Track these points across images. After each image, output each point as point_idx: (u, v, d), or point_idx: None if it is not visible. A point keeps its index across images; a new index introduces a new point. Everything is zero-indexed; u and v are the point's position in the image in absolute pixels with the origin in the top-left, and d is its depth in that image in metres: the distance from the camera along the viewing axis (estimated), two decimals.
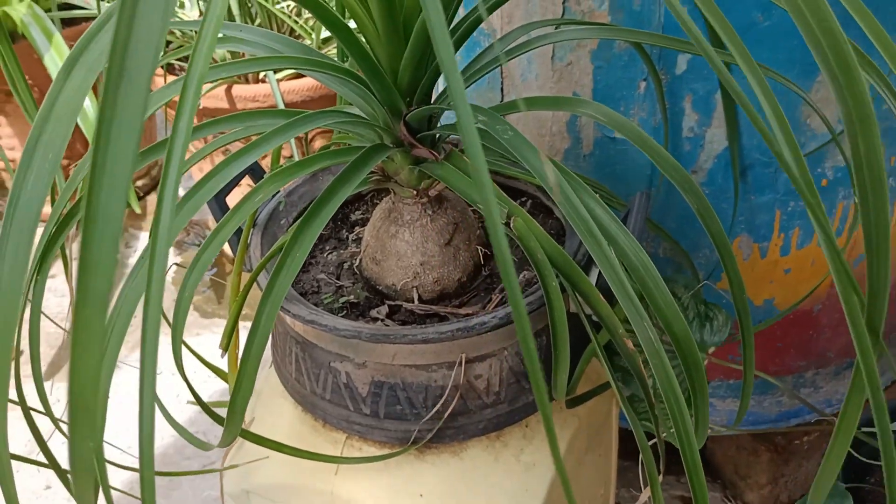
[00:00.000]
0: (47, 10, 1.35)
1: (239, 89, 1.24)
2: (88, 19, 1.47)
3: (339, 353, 0.64)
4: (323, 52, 1.32)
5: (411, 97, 0.60)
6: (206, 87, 1.20)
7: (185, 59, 1.28)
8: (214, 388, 1.26)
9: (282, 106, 1.18)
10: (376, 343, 0.61)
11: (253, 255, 0.70)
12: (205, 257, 0.55)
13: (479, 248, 0.69)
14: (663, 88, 0.78)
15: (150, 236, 0.32)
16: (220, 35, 0.64)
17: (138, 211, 1.39)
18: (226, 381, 0.80)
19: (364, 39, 0.58)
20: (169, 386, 1.26)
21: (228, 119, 0.59)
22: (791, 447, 1.05)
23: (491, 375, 0.64)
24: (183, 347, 0.58)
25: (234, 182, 0.65)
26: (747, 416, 1.00)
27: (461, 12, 0.63)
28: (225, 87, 1.23)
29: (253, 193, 0.58)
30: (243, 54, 1.17)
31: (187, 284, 0.54)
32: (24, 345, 0.59)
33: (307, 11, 1.12)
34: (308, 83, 1.26)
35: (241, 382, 0.53)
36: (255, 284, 0.64)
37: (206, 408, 0.66)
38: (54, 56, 1.20)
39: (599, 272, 0.65)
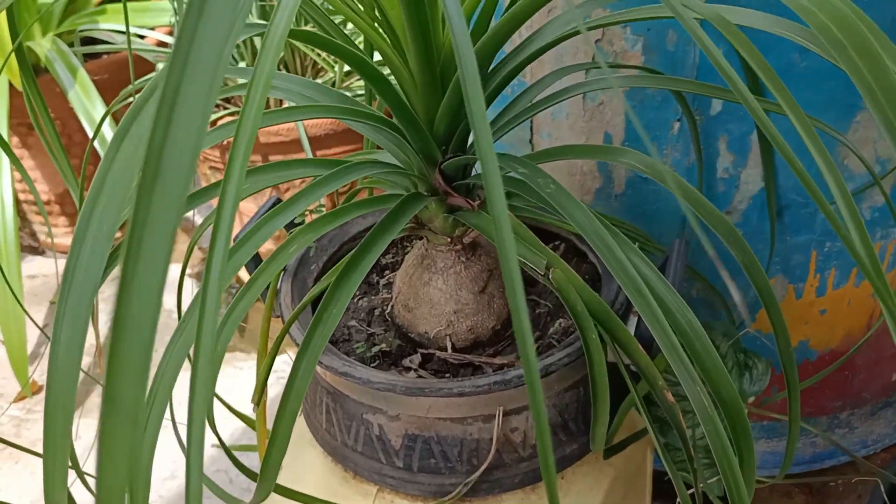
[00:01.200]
0: (70, 45, 1.35)
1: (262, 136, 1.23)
2: (111, 53, 1.47)
3: (372, 406, 0.63)
4: (346, 84, 1.31)
5: (447, 146, 0.59)
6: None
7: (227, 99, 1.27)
8: (236, 426, 1.25)
9: (305, 140, 1.17)
10: (411, 396, 0.60)
11: (283, 302, 0.68)
12: (238, 310, 0.54)
13: None
14: (698, 129, 0.77)
15: (200, 305, 0.31)
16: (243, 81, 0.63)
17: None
18: (254, 428, 0.79)
19: (399, 87, 0.57)
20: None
21: (266, 168, 0.58)
22: (825, 489, 1.02)
23: (527, 428, 0.62)
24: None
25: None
26: (780, 456, 0.98)
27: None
28: None
29: (287, 244, 0.57)
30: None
31: (220, 339, 0.53)
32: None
33: None
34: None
35: (276, 440, 0.52)
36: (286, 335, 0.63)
37: (236, 462, 0.65)
38: (78, 91, 1.20)
39: (638, 320, 0.64)
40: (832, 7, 0.36)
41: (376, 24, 0.53)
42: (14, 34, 1.46)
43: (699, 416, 0.44)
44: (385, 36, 0.54)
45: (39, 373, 1.39)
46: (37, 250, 1.70)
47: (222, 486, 0.78)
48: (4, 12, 1.23)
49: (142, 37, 1.48)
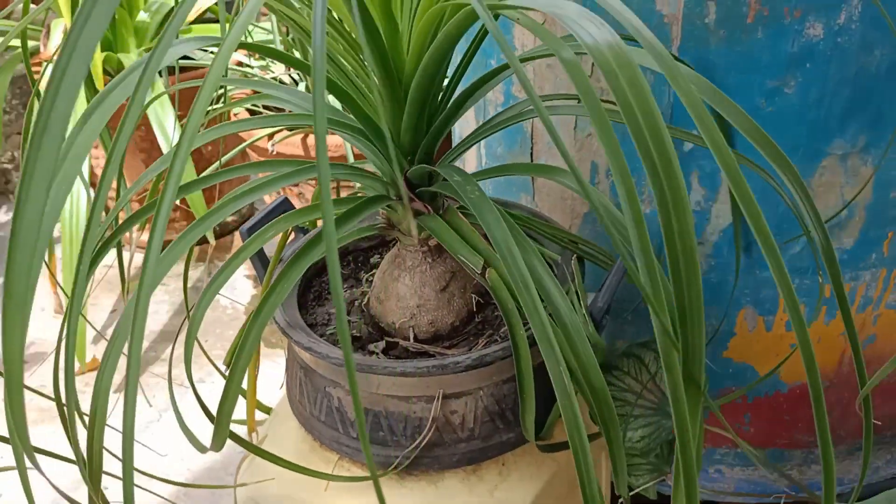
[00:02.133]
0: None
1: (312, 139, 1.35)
2: (194, 69, 1.61)
3: (333, 380, 0.71)
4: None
5: (413, 156, 0.68)
6: (280, 135, 1.32)
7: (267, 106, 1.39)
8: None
9: (350, 156, 1.28)
10: (362, 372, 0.68)
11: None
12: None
13: (473, 296, 0.75)
14: None
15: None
16: (267, 92, 0.73)
17: (213, 242, 1.51)
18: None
19: (369, 102, 0.66)
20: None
21: (247, 166, 0.68)
22: None
23: (466, 412, 0.70)
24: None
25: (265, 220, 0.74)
26: (756, 485, 1.02)
27: (493, 63, 0.70)
28: (301, 135, 1.34)
29: (265, 231, 0.66)
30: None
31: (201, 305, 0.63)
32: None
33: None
34: None
35: (228, 393, 0.61)
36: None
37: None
38: (156, 107, 1.34)
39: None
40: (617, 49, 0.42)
41: (346, 45, 0.62)
42: (110, 47, 1.62)
43: (555, 386, 0.51)
44: (354, 55, 0.63)
45: (101, 353, 1.53)
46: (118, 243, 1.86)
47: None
48: None
49: (204, 50, 1.62)
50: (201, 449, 0.68)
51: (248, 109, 1.48)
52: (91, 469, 0.55)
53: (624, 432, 0.74)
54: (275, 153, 1.32)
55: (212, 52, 1.53)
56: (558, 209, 0.95)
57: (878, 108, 0.78)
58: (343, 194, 0.81)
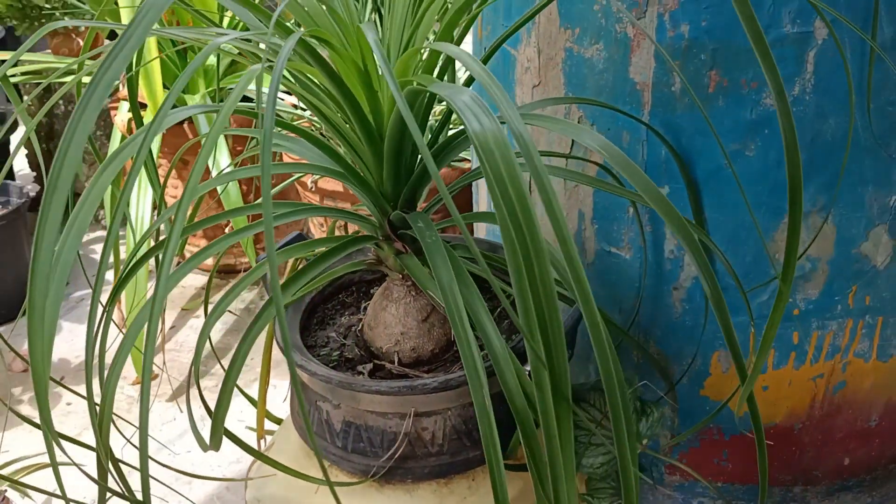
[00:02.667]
0: (221, 100, 1.64)
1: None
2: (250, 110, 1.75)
3: (322, 395, 0.82)
4: None
5: (396, 202, 0.78)
6: None
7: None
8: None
9: None
10: (343, 389, 0.78)
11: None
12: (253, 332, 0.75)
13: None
14: (645, 215, 0.92)
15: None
16: (283, 144, 0.85)
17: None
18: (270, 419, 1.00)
19: (357, 153, 0.76)
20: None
21: (250, 207, 0.79)
22: None
23: (436, 430, 0.79)
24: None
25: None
26: None
27: None
28: None
29: (259, 267, 0.77)
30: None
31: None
32: None
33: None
34: None
35: (222, 401, 0.72)
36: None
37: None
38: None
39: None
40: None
41: (334, 105, 0.73)
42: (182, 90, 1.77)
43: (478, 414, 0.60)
44: (340, 112, 0.74)
45: (159, 364, 1.67)
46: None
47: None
48: (160, 68, 1.53)
49: (281, 99, 1.76)
50: (203, 447, 0.79)
51: None
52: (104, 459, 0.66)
53: (579, 460, 0.82)
54: (314, 189, 1.44)
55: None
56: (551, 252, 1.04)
57: (834, 171, 0.85)
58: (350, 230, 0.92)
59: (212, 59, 1.83)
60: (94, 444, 0.62)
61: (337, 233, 1.14)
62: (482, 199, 1.21)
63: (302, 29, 0.57)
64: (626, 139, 0.90)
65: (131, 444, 0.70)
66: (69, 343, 1.76)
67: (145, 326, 1.50)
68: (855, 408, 1.01)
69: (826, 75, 0.81)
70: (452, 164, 1.40)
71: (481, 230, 1.28)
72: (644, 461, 1.08)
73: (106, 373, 0.74)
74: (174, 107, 1.51)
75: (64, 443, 0.75)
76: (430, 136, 0.80)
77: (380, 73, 0.70)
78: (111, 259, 1.58)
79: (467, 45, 1.46)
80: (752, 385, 0.66)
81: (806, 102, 0.83)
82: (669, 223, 0.62)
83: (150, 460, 0.59)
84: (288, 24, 0.82)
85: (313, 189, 1.46)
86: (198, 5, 1.56)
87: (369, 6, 1.46)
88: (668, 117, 0.86)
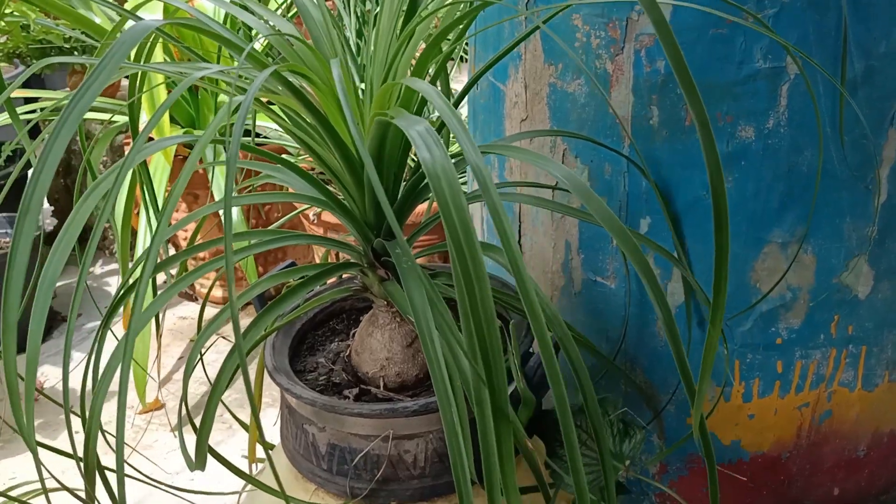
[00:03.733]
0: (224, 135, 1.68)
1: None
2: (262, 144, 1.80)
3: (309, 418, 0.84)
4: None
5: (378, 230, 0.81)
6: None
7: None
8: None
9: None
10: (327, 412, 0.80)
11: (268, 343, 0.91)
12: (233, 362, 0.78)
13: None
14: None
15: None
16: (275, 175, 0.88)
17: None
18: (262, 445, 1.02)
19: (341, 183, 0.79)
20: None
21: (252, 233, 0.82)
22: None
23: (417, 452, 0.81)
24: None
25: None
26: None
27: None
28: None
29: (254, 287, 0.80)
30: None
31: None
32: None
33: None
34: None
35: (205, 421, 0.74)
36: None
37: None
38: (217, 174, 1.52)
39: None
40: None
41: (316, 135, 0.76)
42: (192, 124, 1.82)
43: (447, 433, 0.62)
44: (323, 144, 0.77)
45: (166, 394, 1.70)
46: (191, 297, 2.05)
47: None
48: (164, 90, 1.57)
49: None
50: (191, 466, 0.81)
51: None
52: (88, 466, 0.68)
53: (561, 480, 0.84)
54: (317, 221, 1.47)
55: (276, 131, 1.72)
56: (541, 281, 1.06)
57: (811, 202, 0.87)
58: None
59: (224, 97, 1.88)
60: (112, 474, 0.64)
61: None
62: (475, 228, 1.23)
63: (274, 66, 0.60)
64: (608, 171, 0.92)
65: (135, 471, 0.73)
66: (80, 373, 1.79)
67: (151, 353, 1.53)
68: (842, 437, 1.01)
69: (800, 109, 0.84)
70: None
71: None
72: (634, 489, 1.09)
73: (110, 398, 0.76)
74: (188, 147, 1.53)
75: (67, 469, 0.77)
76: (411, 169, 0.83)
77: (361, 104, 0.73)
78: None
79: (463, 83, 1.50)
80: (700, 410, 0.67)
81: (781, 135, 0.85)
82: (625, 249, 0.64)
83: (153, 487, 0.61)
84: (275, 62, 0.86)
85: (315, 221, 1.49)
86: (208, 48, 1.61)
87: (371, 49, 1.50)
88: (647, 150, 0.89)
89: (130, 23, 0.79)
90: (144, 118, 1.59)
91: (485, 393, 0.55)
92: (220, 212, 1.53)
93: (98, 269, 2.23)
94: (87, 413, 0.72)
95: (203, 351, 0.78)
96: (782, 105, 0.84)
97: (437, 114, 1.01)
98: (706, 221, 0.89)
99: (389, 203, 0.78)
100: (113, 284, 2.16)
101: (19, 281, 0.50)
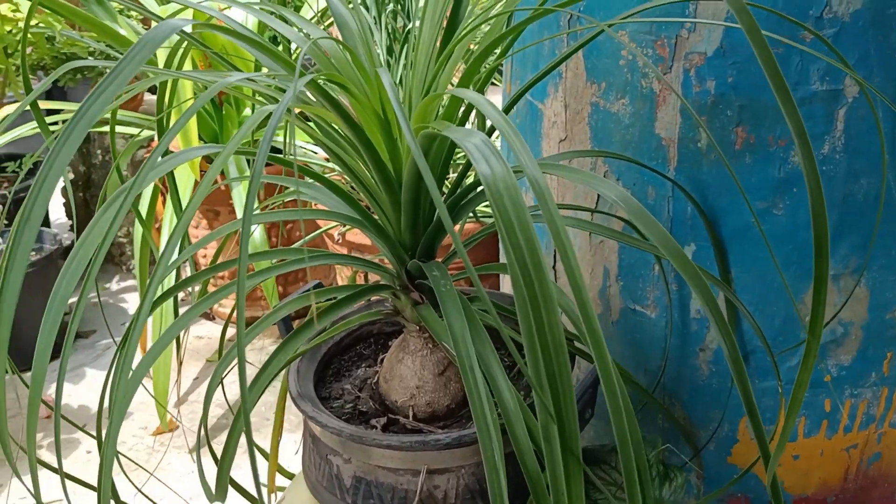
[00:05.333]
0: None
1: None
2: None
3: (333, 448, 0.80)
4: None
5: (413, 252, 0.77)
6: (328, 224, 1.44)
7: None
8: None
9: None
10: (354, 443, 0.76)
11: (292, 369, 0.87)
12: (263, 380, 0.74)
13: None
14: (670, 273, 0.90)
15: None
16: (304, 191, 0.84)
17: None
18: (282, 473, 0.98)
19: (377, 203, 0.76)
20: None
21: (274, 252, 0.78)
22: None
23: (448, 488, 0.77)
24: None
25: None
26: None
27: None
28: None
29: (282, 308, 0.76)
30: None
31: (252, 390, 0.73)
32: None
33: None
34: None
35: (227, 451, 0.70)
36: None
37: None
38: (241, 190, 1.49)
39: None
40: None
41: (354, 152, 0.72)
42: (216, 139, 1.80)
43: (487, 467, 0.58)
44: (359, 160, 0.73)
45: (180, 416, 1.66)
46: (209, 316, 2.01)
47: None
48: (196, 117, 1.54)
49: (314, 151, 1.77)
50: (210, 497, 0.77)
51: None
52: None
53: None
54: (341, 241, 1.44)
55: (302, 148, 1.69)
56: (576, 307, 1.02)
57: (867, 232, 0.83)
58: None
59: (249, 112, 1.85)
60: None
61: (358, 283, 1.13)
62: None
63: (310, 74, 0.56)
64: (651, 195, 0.88)
65: (142, 493, 0.69)
66: (94, 391, 1.75)
67: (171, 376, 1.49)
68: (892, 481, 0.96)
69: (857, 134, 0.79)
70: (481, 219, 1.39)
71: (510, 284, 1.26)
72: None
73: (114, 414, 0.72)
74: (210, 162, 1.51)
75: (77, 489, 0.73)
76: (450, 186, 0.79)
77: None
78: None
79: (498, 101, 1.46)
80: (779, 457, 0.62)
81: (836, 161, 0.80)
82: (688, 279, 0.60)
83: None
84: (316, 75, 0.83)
85: (340, 241, 1.45)
86: (234, 56, 1.59)
87: (402, 58, 1.47)
88: (694, 173, 0.85)
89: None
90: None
91: (553, 430, 0.51)
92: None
93: (115, 286, 2.20)
94: (100, 433, 0.69)
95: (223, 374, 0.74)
96: (838, 129, 0.80)
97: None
98: (754, 249, 0.85)
99: (426, 223, 0.74)
100: (130, 301, 2.13)
101: (13, 297, 0.46)
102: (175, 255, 1.53)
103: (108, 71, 0.66)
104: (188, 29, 0.75)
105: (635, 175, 0.89)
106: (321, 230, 1.49)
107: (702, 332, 0.91)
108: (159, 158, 0.50)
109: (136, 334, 0.49)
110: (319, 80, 0.60)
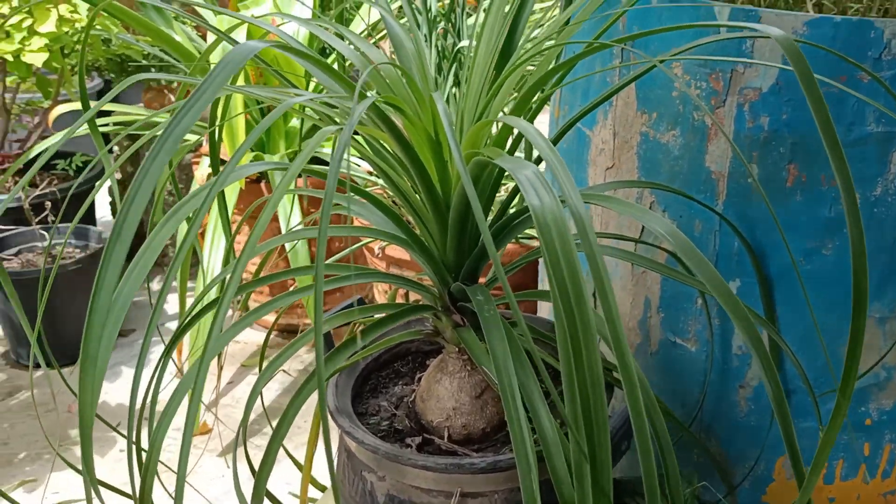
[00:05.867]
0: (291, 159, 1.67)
1: None
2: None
3: (368, 465, 0.80)
4: None
5: (457, 273, 0.77)
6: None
7: None
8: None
9: None
10: (389, 461, 0.76)
11: (330, 385, 0.88)
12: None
13: None
14: (713, 307, 0.89)
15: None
16: (354, 208, 0.85)
17: None
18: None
19: (423, 223, 0.76)
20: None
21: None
22: None
23: None
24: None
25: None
26: None
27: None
28: None
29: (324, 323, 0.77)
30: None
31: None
32: None
33: None
34: None
35: (266, 461, 0.71)
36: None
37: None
38: (286, 202, 1.50)
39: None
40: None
41: (402, 171, 0.73)
42: (262, 148, 1.82)
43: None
44: (408, 179, 0.74)
45: (213, 418, 1.67)
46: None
47: None
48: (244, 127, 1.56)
49: (357, 164, 1.79)
50: None
51: None
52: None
53: None
54: (381, 256, 1.44)
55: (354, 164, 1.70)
56: None
57: None
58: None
59: (295, 122, 1.87)
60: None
61: (398, 300, 1.13)
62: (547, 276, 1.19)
63: (373, 94, 0.57)
64: (698, 228, 0.88)
65: (169, 493, 0.70)
66: (130, 390, 1.77)
67: (203, 379, 1.50)
68: None
69: None
70: (521, 240, 1.39)
71: (548, 309, 1.26)
72: None
73: (156, 422, 0.74)
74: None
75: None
76: (497, 209, 0.79)
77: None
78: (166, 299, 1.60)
79: (544, 123, 1.47)
80: (807, 496, 0.62)
81: (888, 204, 0.80)
82: (734, 317, 0.59)
83: None
84: (368, 93, 0.84)
85: (380, 256, 1.46)
86: (285, 68, 1.61)
87: (451, 77, 1.48)
88: (743, 209, 0.84)
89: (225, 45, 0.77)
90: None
91: (586, 468, 0.51)
92: (288, 245, 1.51)
93: (156, 285, 2.22)
94: (132, 436, 0.69)
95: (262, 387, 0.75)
96: (892, 172, 0.79)
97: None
98: (800, 289, 0.84)
99: (472, 246, 0.75)
100: (171, 301, 2.15)
101: (103, 311, 0.47)
102: (220, 259, 1.55)
103: (162, 79, 0.67)
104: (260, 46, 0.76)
105: (682, 207, 0.88)
106: (361, 243, 1.50)
107: (743, 368, 0.90)
108: (231, 170, 0.50)
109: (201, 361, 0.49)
110: (378, 103, 0.61)
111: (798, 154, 0.80)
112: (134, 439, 0.79)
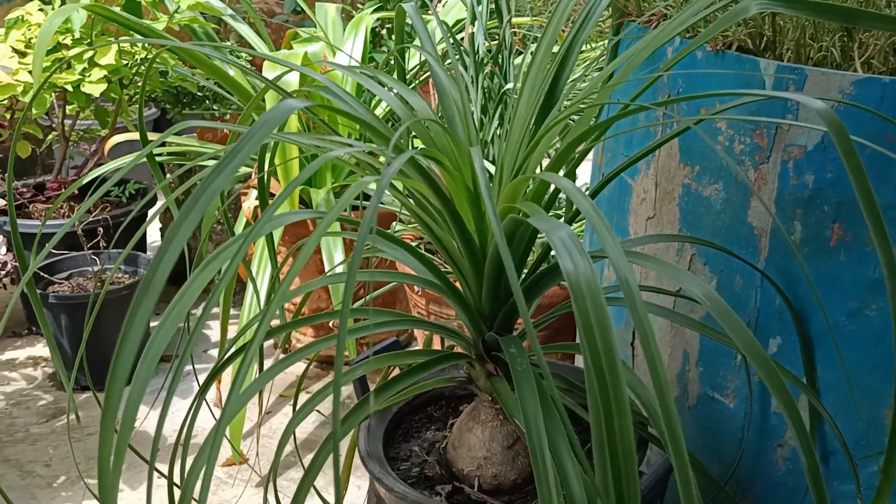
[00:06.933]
0: (339, 195, 1.68)
1: None
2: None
3: None
4: None
5: (492, 322, 0.77)
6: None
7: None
8: None
9: None
10: None
11: (363, 426, 0.88)
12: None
13: None
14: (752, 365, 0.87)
15: None
16: (392, 253, 0.85)
17: None
18: None
19: (459, 272, 0.76)
20: None
21: (363, 311, 0.80)
22: None
23: None
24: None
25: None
26: None
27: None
28: None
29: (357, 369, 0.77)
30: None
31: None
32: None
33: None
34: None
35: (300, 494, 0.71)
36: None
37: None
38: (330, 246, 1.52)
39: None
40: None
41: (438, 218, 0.73)
42: (309, 182, 1.84)
43: None
44: (445, 228, 0.74)
45: (248, 449, 1.68)
46: (286, 351, 2.04)
47: None
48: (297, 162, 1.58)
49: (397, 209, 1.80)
50: None
51: None
52: None
53: None
54: (420, 293, 1.45)
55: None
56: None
57: None
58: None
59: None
60: None
61: (435, 341, 1.13)
62: None
63: (411, 149, 0.57)
64: (739, 283, 0.87)
65: None
66: (171, 417, 1.79)
67: (240, 412, 1.51)
68: None
69: None
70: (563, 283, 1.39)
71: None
72: None
73: (189, 455, 0.74)
74: (301, 202, 1.54)
75: None
76: (535, 257, 0.79)
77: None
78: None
79: (586, 169, 1.46)
80: None
81: None
82: (769, 383, 0.58)
83: None
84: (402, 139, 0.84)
85: (419, 293, 1.47)
86: (321, 112, 1.63)
87: (496, 118, 1.48)
88: (784, 267, 0.83)
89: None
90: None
91: None
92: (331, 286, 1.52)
93: (198, 311, 2.25)
94: (154, 464, 0.70)
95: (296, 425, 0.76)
96: None
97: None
98: (845, 350, 0.83)
99: (507, 296, 0.75)
100: (213, 327, 2.18)
101: (133, 346, 0.48)
102: (264, 290, 1.56)
103: (215, 112, 0.69)
104: (298, 104, 0.78)
105: (723, 262, 0.87)
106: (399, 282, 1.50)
107: (781, 427, 0.89)
108: (272, 213, 0.51)
109: (239, 397, 0.50)
110: (417, 157, 0.62)
111: (843, 213, 0.79)
112: (166, 472, 0.80)
